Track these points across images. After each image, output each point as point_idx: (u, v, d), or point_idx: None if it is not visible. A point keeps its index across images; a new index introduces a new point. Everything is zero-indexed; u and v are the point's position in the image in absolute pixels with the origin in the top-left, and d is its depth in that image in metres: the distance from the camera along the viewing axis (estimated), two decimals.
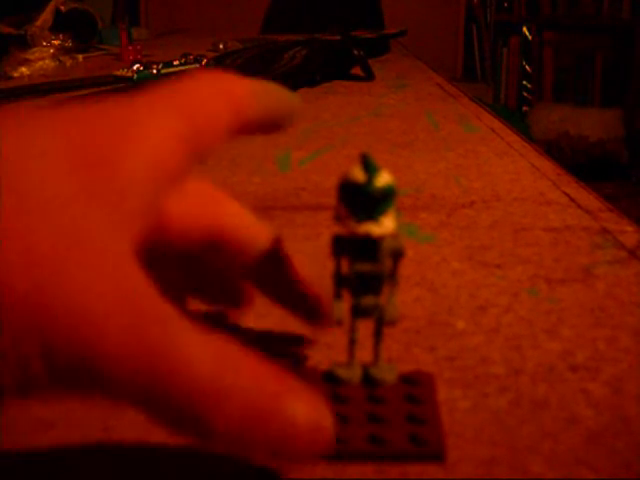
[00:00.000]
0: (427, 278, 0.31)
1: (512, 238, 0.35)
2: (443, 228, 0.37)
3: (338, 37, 0.89)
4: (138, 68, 0.79)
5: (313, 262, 0.24)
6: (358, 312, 0.22)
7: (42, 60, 0.94)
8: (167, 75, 0.79)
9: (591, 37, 2.70)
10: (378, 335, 0.22)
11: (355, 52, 0.84)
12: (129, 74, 0.79)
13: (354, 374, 0.22)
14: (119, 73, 0.80)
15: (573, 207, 0.40)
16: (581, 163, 2.41)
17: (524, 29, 2.76)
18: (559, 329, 0.27)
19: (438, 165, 0.48)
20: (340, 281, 0.22)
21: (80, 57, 1.04)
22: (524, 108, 2.76)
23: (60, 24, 1.11)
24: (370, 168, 0.21)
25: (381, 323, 0.22)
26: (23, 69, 0.90)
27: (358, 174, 0.21)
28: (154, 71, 0.79)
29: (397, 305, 0.22)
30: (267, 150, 0.51)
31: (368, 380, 0.22)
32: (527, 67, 2.77)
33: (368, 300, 0.22)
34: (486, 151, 0.52)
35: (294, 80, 0.77)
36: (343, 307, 0.22)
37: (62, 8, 1.13)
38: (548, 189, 0.43)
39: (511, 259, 0.33)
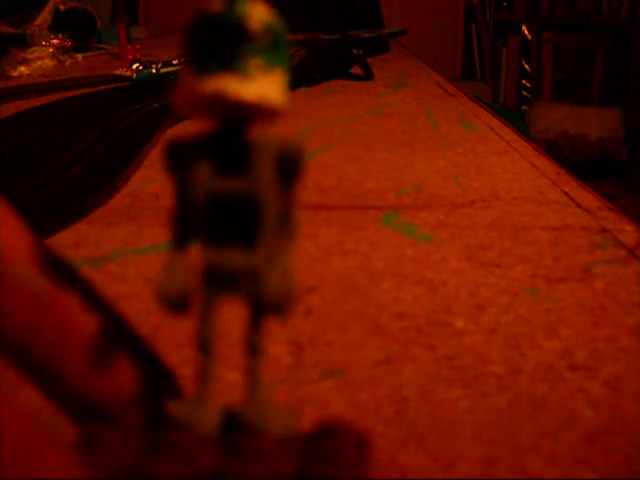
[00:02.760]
0: (426, 277, 0.31)
1: (511, 237, 0.35)
2: (442, 227, 0.37)
3: (338, 37, 0.89)
4: (137, 67, 0.79)
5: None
6: (215, 281, 0.12)
7: (41, 59, 0.94)
8: (166, 74, 0.78)
9: (590, 36, 2.70)
10: (255, 330, 0.13)
11: (355, 51, 0.84)
12: (128, 73, 0.79)
13: (206, 416, 0.12)
14: (118, 72, 0.80)
15: (572, 206, 0.40)
16: (580, 162, 2.41)
17: (523, 28, 2.76)
18: (558, 328, 0.27)
19: (437, 164, 0.48)
20: (183, 223, 0.12)
21: (79, 56, 1.04)
22: (523, 107, 2.76)
23: (59, 23, 1.11)
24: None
25: (260, 306, 0.12)
26: (22, 68, 0.90)
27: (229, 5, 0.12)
28: (153, 70, 0.79)
29: (287, 275, 0.12)
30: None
31: (233, 427, 0.12)
32: (526, 66, 2.77)
33: (233, 257, 0.12)
34: (485, 150, 0.52)
35: (294, 79, 0.77)
36: (186, 276, 0.12)
37: (61, 7, 1.13)
38: (547, 188, 0.43)
39: (510, 258, 0.33)
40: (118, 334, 0.14)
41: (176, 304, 0.12)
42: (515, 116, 2.61)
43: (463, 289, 0.30)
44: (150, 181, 0.44)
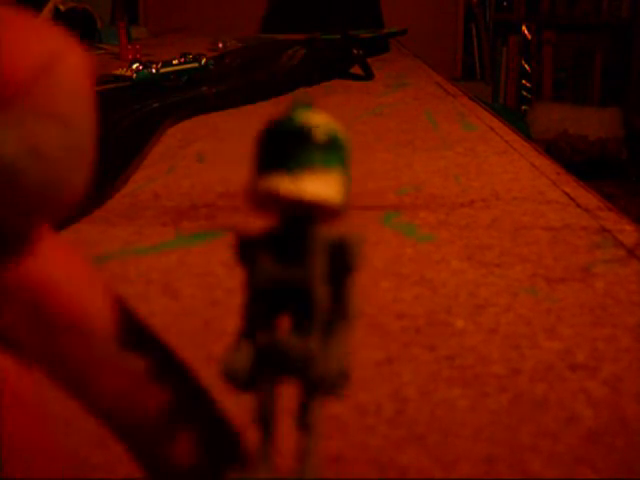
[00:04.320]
0: (426, 277, 0.31)
1: (511, 237, 0.35)
2: (442, 227, 0.37)
3: (338, 37, 0.89)
4: (137, 67, 0.79)
5: None
6: (271, 364, 0.13)
7: None
8: (166, 74, 0.78)
9: (590, 36, 2.70)
10: (307, 409, 0.13)
11: (355, 51, 0.84)
12: (128, 73, 0.78)
13: None
14: (118, 72, 0.80)
15: (572, 206, 0.40)
16: (580, 162, 2.41)
17: (523, 28, 2.76)
18: (558, 328, 0.27)
19: (437, 164, 0.48)
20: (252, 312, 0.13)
21: None
22: (523, 107, 2.76)
23: (59, 23, 1.10)
24: (298, 106, 0.14)
25: (313, 388, 0.13)
26: None
27: (297, 116, 0.14)
28: (153, 70, 0.79)
29: (340, 359, 0.13)
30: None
31: None
32: (526, 66, 2.77)
33: (288, 342, 0.13)
34: (485, 150, 0.52)
35: (294, 79, 0.77)
36: (243, 354, 0.13)
37: (61, 7, 1.13)
38: (547, 188, 0.43)
39: (510, 258, 0.33)
40: (191, 402, 0.14)
41: (240, 381, 0.13)
42: (515, 116, 2.61)
43: (463, 289, 0.30)
44: (150, 181, 0.44)
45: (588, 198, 0.41)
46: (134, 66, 0.79)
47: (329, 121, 0.14)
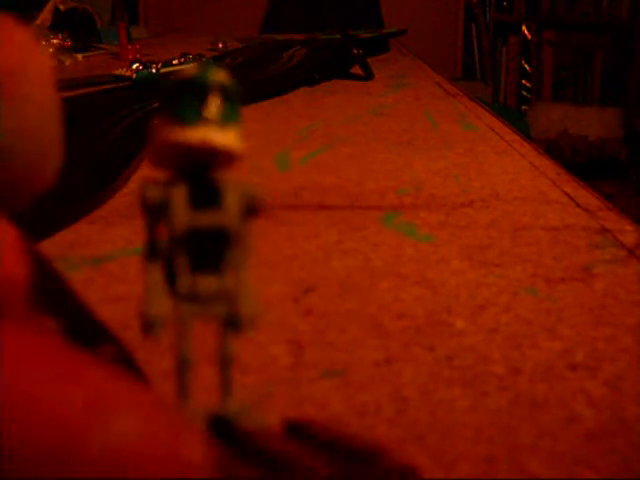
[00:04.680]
0: (426, 277, 0.31)
1: (511, 237, 0.35)
2: (442, 227, 0.37)
3: (338, 36, 0.89)
4: (137, 67, 0.79)
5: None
6: (192, 302, 0.14)
7: None
8: (166, 74, 0.78)
9: (590, 36, 2.70)
10: (226, 344, 0.14)
11: (355, 51, 0.84)
12: (128, 73, 0.78)
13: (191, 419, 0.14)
14: (118, 72, 0.80)
15: (572, 206, 0.40)
16: (580, 162, 2.41)
17: (523, 28, 2.76)
18: (558, 328, 0.27)
19: (437, 164, 0.48)
20: (154, 252, 0.14)
21: (79, 56, 1.04)
22: (523, 107, 2.76)
23: (59, 23, 1.11)
24: (205, 63, 0.15)
25: (233, 324, 0.14)
26: None
27: (189, 70, 0.15)
28: (153, 70, 0.79)
29: (255, 296, 0.14)
30: (266, 149, 0.51)
31: (219, 426, 0.14)
32: (526, 66, 2.77)
33: (207, 283, 0.14)
34: (485, 150, 0.52)
35: (293, 79, 0.77)
36: (163, 301, 0.14)
37: (61, 7, 1.13)
38: (547, 188, 0.43)
39: (510, 258, 0.33)
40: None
41: (159, 328, 0.13)
42: (515, 116, 2.61)
43: (463, 289, 0.30)
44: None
45: (588, 198, 0.41)
46: (134, 66, 0.79)
47: (227, 77, 0.14)
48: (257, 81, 0.77)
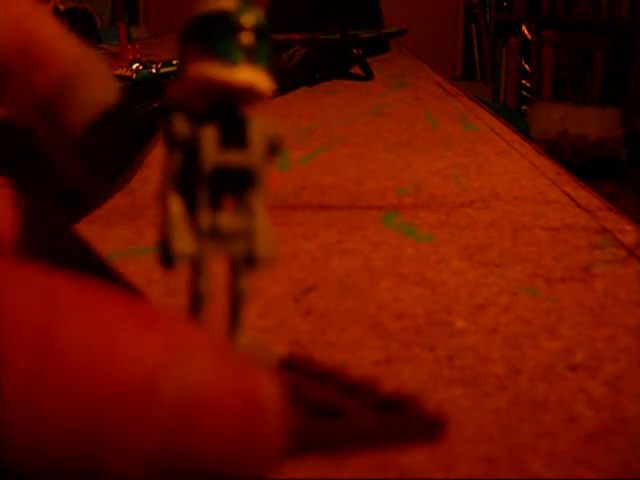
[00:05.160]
0: (426, 277, 0.31)
1: (511, 237, 0.35)
2: (442, 227, 0.37)
3: (338, 36, 0.89)
4: (137, 67, 0.79)
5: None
6: (213, 239, 0.14)
7: None
8: (166, 74, 0.78)
9: (590, 36, 2.70)
10: (242, 280, 0.14)
11: (355, 51, 0.84)
12: (128, 73, 0.79)
13: None
14: (118, 72, 0.80)
15: (572, 206, 0.40)
16: (580, 162, 2.41)
17: (523, 28, 2.76)
18: (558, 328, 0.27)
19: (437, 164, 0.48)
20: (177, 185, 0.14)
21: None
22: (523, 107, 2.76)
23: (59, 23, 1.10)
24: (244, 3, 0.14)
25: (250, 262, 0.14)
26: None
27: (226, 2, 0.14)
28: (153, 70, 0.79)
29: (271, 236, 0.14)
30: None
31: None
32: (526, 66, 2.77)
33: (229, 220, 0.14)
34: (485, 150, 0.52)
35: (293, 79, 0.77)
36: (187, 236, 0.13)
37: (61, 7, 1.13)
38: (547, 188, 0.43)
39: (510, 258, 0.33)
40: None
41: (174, 260, 0.13)
42: (515, 116, 2.61)
43: (463, 289, 0.30)
44: (150, 181, 0.44)
45: (588, 198, 0.41)
46: (134, 66, 0.79)
47: (258, 12, 0.14)
48: None
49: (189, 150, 0.14)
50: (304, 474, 0.19)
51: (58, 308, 0.11)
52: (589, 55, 2.70)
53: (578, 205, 0.40)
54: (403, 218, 0.38)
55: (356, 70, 0.85)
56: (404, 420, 0.17)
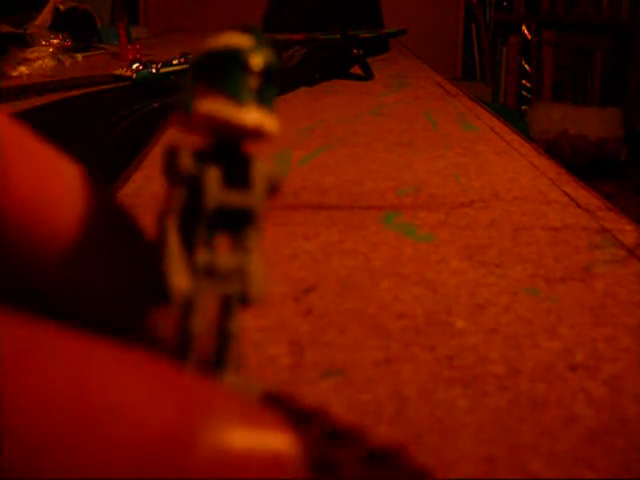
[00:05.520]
0: (426, 277, 0.31)
1: (511, 237, 0.35)
2: (442, 227, 0.37)
3: (338, 36, 0.89)
4: (137, 67, 0.79)
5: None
6: (209, 277, 0.13)
7: (41, 59, 0.94)
8: (166, 74, 0.78)
9: (590, 36, 2.70)
10: (228, 319, 0.14)
11: (355, 51, 0.84)
12: (128, 73, 0.79)
13: None
14: (118, 72, 0.80)
15: (572, 206, 0.40)
16: (580, 162, 2.41)
17: (523, 28, 2.76)
18: (558, 328, 0.27)
19: (437, 164, 0.48)
20: (177, 221, 0.13)
21: (79, 56, 1.04)
22: (523, 107, 2.76)
23: (59, 23, 1.11)
24: (257, 36, 0.14)
25: (242, 300, 0.14)
26: (22, 68, 0.90)
27: (239, 39, 0.14)
28: (153, 70, 0.79)
29: (265, 275, 0.14)
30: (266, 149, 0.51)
31: None
32: (526, 66, 2.77)
33: (226, 259, 0.14)
34: (485, 150, 0.52)
35: (293, 79, 0.77)
36: (184, 273, 0.13)
37: (61, 7, 1.13)
38: (547, 188, 0.43)
39: (510, 258, 0.33)
40: None
41: (178, 298, 0.13)
42: (515, 116, 2.61)
43: (463, 289, 0.30)
44: (150, 181, 0.44)
45: (588, 198, 0.41)
46: (134, 66, 0.79)
47: (270, 52, 0.14)
48: None
49: (191, 186, 0.14)
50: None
51: (87, 378, 0.10)
52: (589, 55, 2.70)
53: (578, 205, 0.40)
54: (403, 218, 0.38)
55: (356, 70, 0.85)
56: (392, 475, 0.17)
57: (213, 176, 0.14)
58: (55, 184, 0.13)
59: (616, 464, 0.20)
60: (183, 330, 0.13)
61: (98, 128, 0.52)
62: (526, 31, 2.74)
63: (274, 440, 0.12)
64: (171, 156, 0.14)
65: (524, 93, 2.78)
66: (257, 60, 0.14)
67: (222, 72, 0.13)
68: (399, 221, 0.38)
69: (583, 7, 2.69)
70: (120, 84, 0.78)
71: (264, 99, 0.14)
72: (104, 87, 0.77)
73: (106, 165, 0.46)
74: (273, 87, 0.14)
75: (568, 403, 0.22)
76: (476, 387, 0.23)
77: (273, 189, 0.14)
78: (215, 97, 0.13)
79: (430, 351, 0.25)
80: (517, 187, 0.43)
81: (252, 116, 0.13)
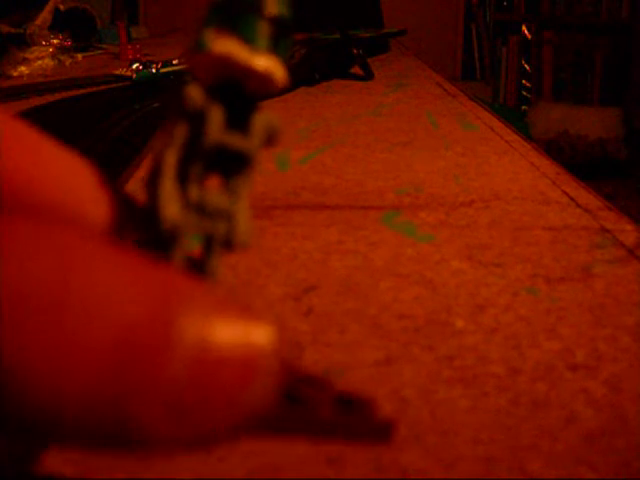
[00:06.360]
0: (426, 277, 0.31)
1: (511, 237, 0.35)
2: (442, 227, 0.37)
3: (338, 36, 0.89)
4: (137, 67, 0.79)
5: None
6: (197, 214, 0.14)
7: (41, 59, 0.94)
8: (166, 74, 0.78)
9: (590, 36, 2.70)
10: (208, 258, 0.14)
11: (355, 51, 0.84)
12: (128, 73, 0.79)
13: None
14: (118, 72, 0.80)
15: (572, 206, 0.40)
16: (580, 162, 2.41)
17: (523, 28, 2.76)
18: (558, 328, 0.27)
19: (437, 164, 0.48)
20: (177, 156, 0.13)
21: (79, 56, 1.04)
22: (523, 107, 2.76)
23: (59, 23, 1.11)
24: None
25: (227, 243, 0.14)
26: (22, 68, 0.90)
27: None
28: (153, 70, 0.79)
29: (251, 221, 0.14)
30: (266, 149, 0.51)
31: None
32: (526, 66, 2.77)
33: (217, 198, 0.14)
34: (485, 150, 0.52)
35: (293, 79, 0.77)
36: (177, 207, 0.13)
37: (61, 7, 1.13)
38: (547, 188, 0.43)
39: (510, 258, 0.33)
40: None
41: (169, 231, 0.13)
42: (515, 116, 2.61)
43: (463, 289, 0.30)
44: None
45: (588, 198, 0.41)
46: (134, 66, 0.79)
47: (286, 3, 0.14)
48: None
49: (194, 123, 0.14)
50: (304, 474, 0.19)
51: (70, 265, 0.11)
52: (589, 55, 2.70)
53: (578, 205, 0.40)
54: (403, 218, 0.38)
55: (356, 70, 0.85)
56: (358, 419, 0.18)
57: (217, 114, 0.14)
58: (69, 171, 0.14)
59: (616, 464, 0.20)
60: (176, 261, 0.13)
61: (98, 128, 0.52)
62: (526, 31, 2.74)
63: (254, 331, 0.12)
64: (182, 89, 0.14)
65: (524, 93, 2.77)
66: (273, 6, 0.14)
67: (238, 15, 0.14)
68: (399, 221, 0.38)
69: (583, 7, 2.69)
70: (120, 84, 0.78)
71: (277, 48, 0.14)
72: (104, 87, 0.77)
73: (106, 165, 0.46)
74: (287, 39, 0.14)
75: (568, 403, 0.22)
76: (476, 387, 0.23)
77: (270, 140, 0.14)
78: (230, 39, 0.13)
79: (430, 351, 0.25)
80: (517, 187, 0.43)
81: (264, 62, 0.14)
